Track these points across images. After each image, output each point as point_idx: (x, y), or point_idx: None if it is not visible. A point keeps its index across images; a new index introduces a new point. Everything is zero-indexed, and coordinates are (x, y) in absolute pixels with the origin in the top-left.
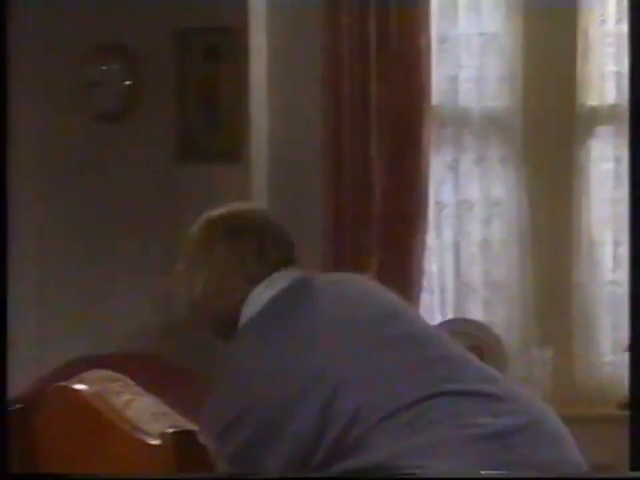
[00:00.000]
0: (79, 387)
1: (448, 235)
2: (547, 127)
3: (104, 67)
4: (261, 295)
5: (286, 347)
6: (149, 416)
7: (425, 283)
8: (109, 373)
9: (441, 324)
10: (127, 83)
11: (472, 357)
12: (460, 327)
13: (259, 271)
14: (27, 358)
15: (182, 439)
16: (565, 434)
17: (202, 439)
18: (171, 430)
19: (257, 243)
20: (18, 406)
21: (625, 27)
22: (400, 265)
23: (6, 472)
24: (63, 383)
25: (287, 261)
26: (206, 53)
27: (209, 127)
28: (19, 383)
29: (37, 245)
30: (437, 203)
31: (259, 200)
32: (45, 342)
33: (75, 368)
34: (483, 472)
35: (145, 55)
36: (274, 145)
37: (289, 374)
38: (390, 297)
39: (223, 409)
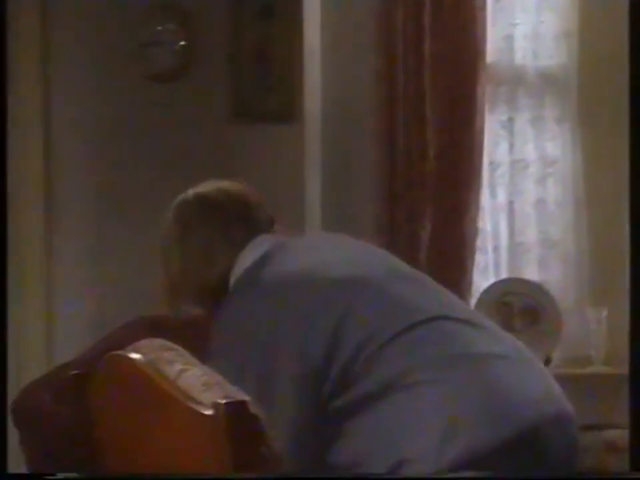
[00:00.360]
0: (133, 355)
1: (502, 194)
2: (603, 85)
3: (159, 27)
4: (247, 257)
5: (287, 285)
6: (201, 385)
7: (479, 242)
8: (163, 341)
9: (495, 283)
10: (182, 42)
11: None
12: (514, 287)
13: (243, 236)
14: (86, 318)
15: (234, 409)
16: (547, 373)
17: (253, 409)
18: (223, 400)
19: (237, 210)
20: (74, 372)
21: None
22: (454, 225)
23: (5, 472)
24: (117, 352)
25: (269, 226)
26: (260, 13)
27: (263, 87)
28: (75, 345)
29: (93, 204)
30: (491, 162)
31: (312, 159)
32: (103, 302)
33: (132, 330)
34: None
35: (200, 14)
36: (327, 104)
37: (294, 308)
38: (377, 248)
39: (230, 358)
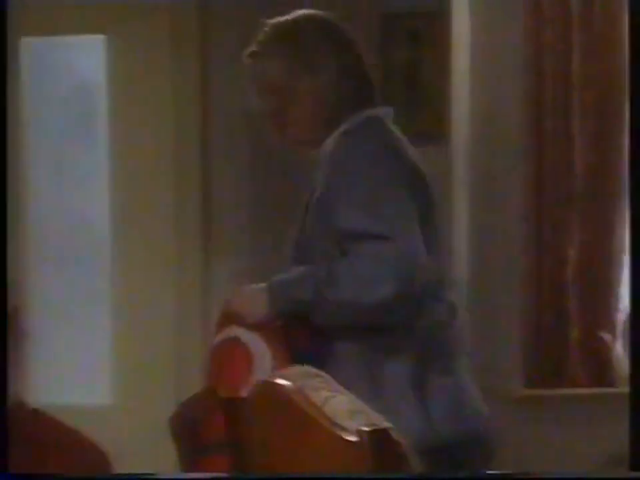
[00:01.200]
0: (282, 382)
1: None
2: None
3: None
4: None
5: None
6: (346, 413)
7: (626, 260)
8: (310, 368)
9: None
10: None
11: None
12: None
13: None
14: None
15: (377, 436)
16: None
17: (396, 436)
18: (366, 428)
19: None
20: (226, 396)
21: None
22: (601, 242)
23: (6, 472)
24: (267, 379)
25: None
26: (408, 36)
27: (412, 107)
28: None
29: (248, 218)
30: None
31: (459, 179)
32: None
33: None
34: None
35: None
36: (475, 124)
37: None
38: None
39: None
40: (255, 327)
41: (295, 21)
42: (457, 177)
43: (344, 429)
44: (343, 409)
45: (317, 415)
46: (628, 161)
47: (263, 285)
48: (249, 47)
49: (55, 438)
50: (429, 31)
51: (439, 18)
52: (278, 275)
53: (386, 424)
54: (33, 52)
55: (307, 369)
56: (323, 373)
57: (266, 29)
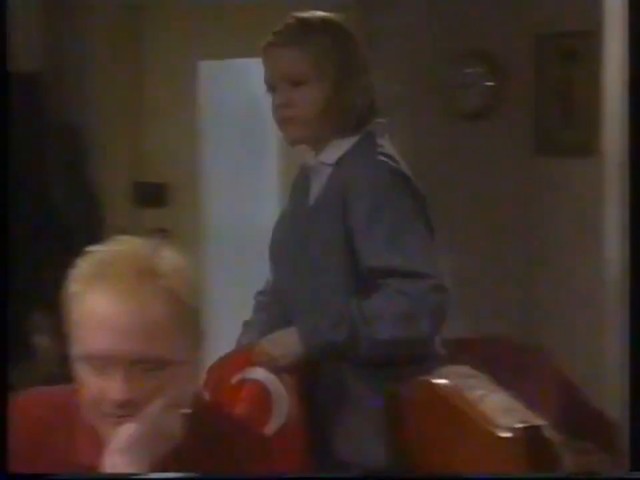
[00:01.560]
0: (440, 381)
1: None
2: None
3: (468, 70)
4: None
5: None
6: (500, 411)
7: None
8: (465, 368)
9: None
10: (489, 84)
11: None
12: None
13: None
14: None
15: (531, 433)
16: None
17: (549, 433)
18: (520, 425)
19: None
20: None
21: None
22: None
23: (5, 472)
24: (424, 377)
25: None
26: (562, 56)
27: (564, 124)
28: None
29: None
30: None
31: (611, 195)
32: None
33: None
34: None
35: (506, 58)
36: (627, 139)
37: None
38: None
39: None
40: (277, 370)
41: (327, 19)
42: (609, 192)
43: (498, 426)
44: (498, 407)
45: (472, 412)
46: (629, 161)
47: (292, 328)
48: (267, 38)
49: (227, 430)
50: (583, 49)
51: (593, 36)
52: (305, 318)
53: (540, 421)
54: (210, 73)
55: (464, 368)
56: (479, 373)
57: (290, 21)
